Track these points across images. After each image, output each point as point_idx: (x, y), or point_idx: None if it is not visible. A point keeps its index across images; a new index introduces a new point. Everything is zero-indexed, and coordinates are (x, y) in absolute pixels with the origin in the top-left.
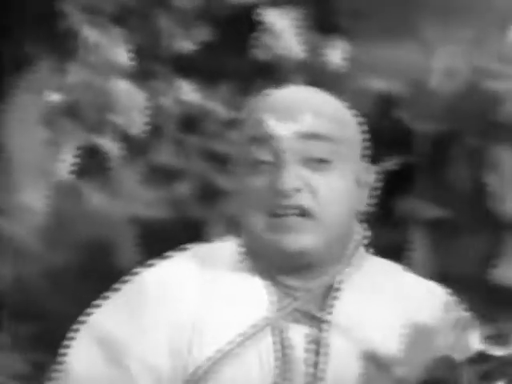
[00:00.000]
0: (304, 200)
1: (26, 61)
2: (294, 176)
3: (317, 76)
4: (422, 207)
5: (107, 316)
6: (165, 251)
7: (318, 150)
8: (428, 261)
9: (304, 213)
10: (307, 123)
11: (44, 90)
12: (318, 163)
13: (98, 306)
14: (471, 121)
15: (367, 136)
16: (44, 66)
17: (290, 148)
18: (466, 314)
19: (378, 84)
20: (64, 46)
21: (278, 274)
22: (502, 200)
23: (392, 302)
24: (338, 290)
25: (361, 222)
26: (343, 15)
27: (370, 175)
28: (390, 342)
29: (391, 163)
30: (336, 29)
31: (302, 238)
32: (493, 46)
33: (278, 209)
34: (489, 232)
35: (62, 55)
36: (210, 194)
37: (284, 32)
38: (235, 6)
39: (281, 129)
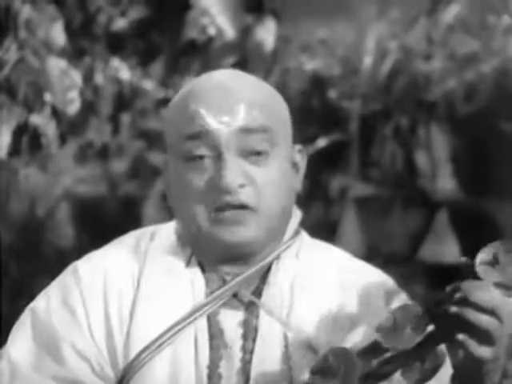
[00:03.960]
0: (246, 195)
1: None
2: (235, 172)
3: (248, 56)
4: (352, 185)
5: (43, 302)
6: (98, 226)
7: (255, 142)
8: (359, 237)
9: (245, 206)
10: (242, 117)
11: None
12: (256, 156)
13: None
14: (401, 100)
15: (296, 116)
16: None
17: (228, 143)
18: (402, 296)
19: (310, 64)
20: (0, 23)
21: (215, 262)
22: (432, 178)
23: (325, 285)
24: (270, 273)
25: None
26: None
27: (303, 155)
28: (320, 324)
29: (323, 141)
30: (267, 9)
31: (244, 231)
32: (421, 28)
33: (221, 204)
34: (419, 210)
35: None
36: (143, 171)
37: (215, 12)
38: None
39: (218, 124)
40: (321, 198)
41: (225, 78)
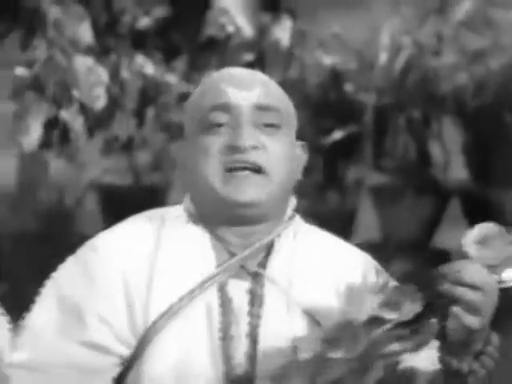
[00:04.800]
0: (258, 157)
1: None
2: (250, 135)
3: (265, 52)
4: (367, 175)
5: (64, 274)
6: (124, 215)
7: (267, 117)
8: (374, 225)
9: (257, 168)
10: (259, 95)
11: (13, 66)
12: (269, 128)
13: (59, 266)
14: (414, 94)
15: (314, 109)
16: (13, 42)
17: (246, 114)
18: (386, 279)
19: (328, 58)
20: (30, 23)
21: (223, 231)
22: (444, 168)
23: (321, 263)
24: (273, 248)
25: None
26: None
27: (303, 151)
28: (317, 297)
29: (339, 134)
30: (283, 8)
31: (253, 191)
32: (432, 25)
33: (235, 163)
34: (431, 199)
35: (28, 32)
36: (166, 162)
37: (234, 11)
38: None
39: (239, 98)
40: (337, 187)
41: (244, 70)
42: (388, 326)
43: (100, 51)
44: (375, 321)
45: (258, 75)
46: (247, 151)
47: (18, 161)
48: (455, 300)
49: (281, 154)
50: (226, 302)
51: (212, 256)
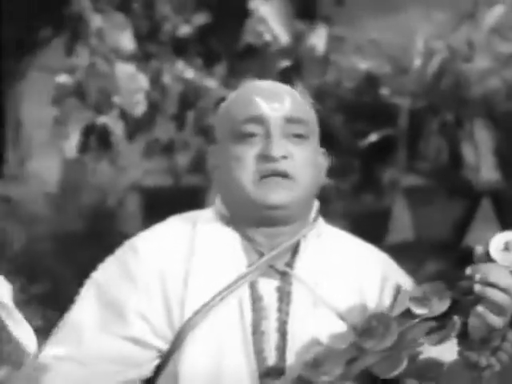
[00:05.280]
0: (287, 165)
1: (40, 44)
2: (280, 146)
3: (301, 59)
4: (402, 176)
5: (105, 273)
6: (164, 215)
7: (295, 128)
8: (409, 225)
9: (286, 175)
10: (288, 108)
11: (55, 72)
12: (296, 138)
13: (99, 266)
14: (447, 97)
15: (349, 113)
16: (55, 49)
17: (277, 126)
18: (404, 277)
19: (363, 63)
20: (72, 30)
21: (252, 232)
22: (476, 170)
23: (343, 263)
24: (299, 248)
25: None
26: (326, 3)
27: (325, 157)
28: (341, 294)
29: (374, 136)
30: (318, 16)
31: (282, 194)
32: (464, 30)
33: (267, 172)
34: (463, 199)
35: (70, 39)
36: (205, 164)
37: (271, 20)
38: None
39: (271, 111)
40: (373, 188)
41: (274, 83)
42: (417, 320)
43: (141, 58)
44: (406, 315)
45: (285, 88)
46: (278, 161)
47: (61, 163)
48: (480, 300)
49: (306, 162)
50: (256, 300)
51: (243, 256)
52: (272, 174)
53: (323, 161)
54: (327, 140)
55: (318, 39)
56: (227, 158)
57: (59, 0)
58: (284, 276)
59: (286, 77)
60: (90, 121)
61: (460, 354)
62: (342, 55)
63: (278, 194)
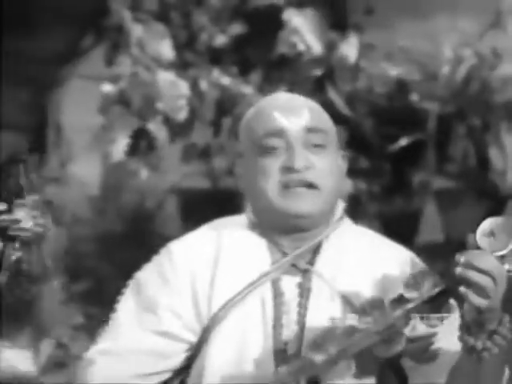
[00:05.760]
0: (309, 175)
1: (80, 53)
2: (302, 157)
3: (334, 68)
4: (432, 179)
5: (144, 275)
6: (201, 217)
7: (315, 138)
8: (438, 227)
9: (309, 185)
10: (306, 119)
11: (97, 79)
12: (316, 148)
13: (142, 267)
14: (474, 103)
15: (380, 118)
16: (98, 58)
17: (297, 137)
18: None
19: (394, 70)
20: (112, 40)
21: (277, 236)
22: (503, 173)
23: (362, 258)
24: (322, 248)
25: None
26: (356, 13)
27: (344, 159)
28: (357, 288)
29: (404, 141)
30: (350, 25)
31: (307, 204)
32: (489, 40)
33: (291, 182)
34: (491, 202)
35: (112, 49)
36: None
37: (304, 30)
38: (263, 6)
39: (290, 123)
40: (404, 190)
41: (290, 95)
42: (411, 304)
43: (180, 66)
44: (401, 299)
45: (303, 99)
46: (301, 171)
47: (103, 167)
48: (467, 283)
49: (327, 170)
50: (278, 295)
51: (267, 256)
52: (296, 184)
53: (343, 164)
54: (359, 144)
55: (350, 48)
56: (252, 170)
57: (99, 11)
58: (305, 273)
59: (319, 85)
60: (137, 126)
61: (459, 338)
62: (372, 62)
63: (303, 204)
